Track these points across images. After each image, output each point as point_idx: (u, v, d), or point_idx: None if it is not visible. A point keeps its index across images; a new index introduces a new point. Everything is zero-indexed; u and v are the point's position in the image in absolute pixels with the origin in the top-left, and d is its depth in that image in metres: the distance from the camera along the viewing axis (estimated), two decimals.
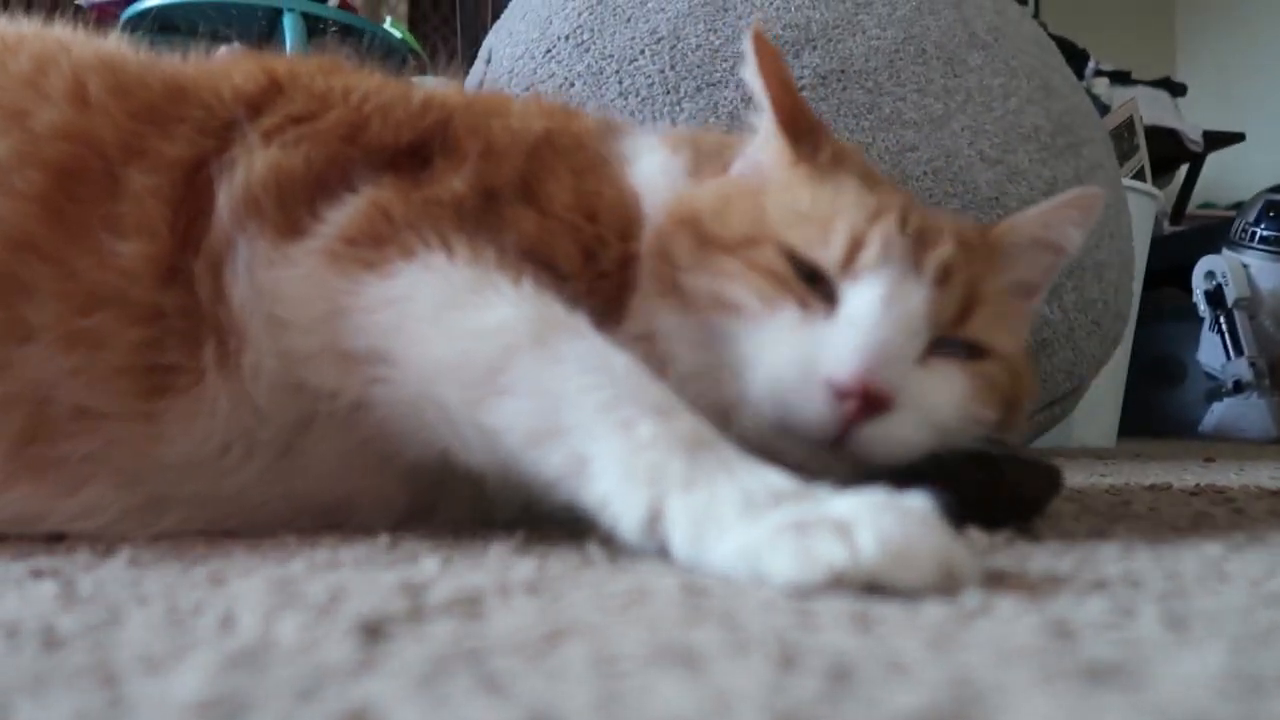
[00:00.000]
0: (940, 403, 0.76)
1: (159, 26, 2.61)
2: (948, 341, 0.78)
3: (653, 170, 0.90)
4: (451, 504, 0.83)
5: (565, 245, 0.81)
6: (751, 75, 0.90)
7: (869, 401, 0.71)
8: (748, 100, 1.49)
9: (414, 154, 0.84)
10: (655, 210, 0.86)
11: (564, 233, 0.82)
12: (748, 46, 0.89)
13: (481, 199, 0.81)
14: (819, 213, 0.80)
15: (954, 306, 0.79)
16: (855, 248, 0.77)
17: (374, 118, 0.84)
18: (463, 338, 0.70)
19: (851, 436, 0.72)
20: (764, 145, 0.89)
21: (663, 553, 0.61)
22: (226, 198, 0.78)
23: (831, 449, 0.72)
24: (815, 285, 0.77)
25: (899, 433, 0.73)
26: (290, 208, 0.78)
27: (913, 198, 0.90)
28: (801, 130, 0.87)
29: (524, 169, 0.85)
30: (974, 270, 0.81)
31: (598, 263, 0.83)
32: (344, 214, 0.78)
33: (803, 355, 0.73)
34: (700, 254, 0.80)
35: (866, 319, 0.73)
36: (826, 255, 0.77)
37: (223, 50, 1.00)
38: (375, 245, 0.75)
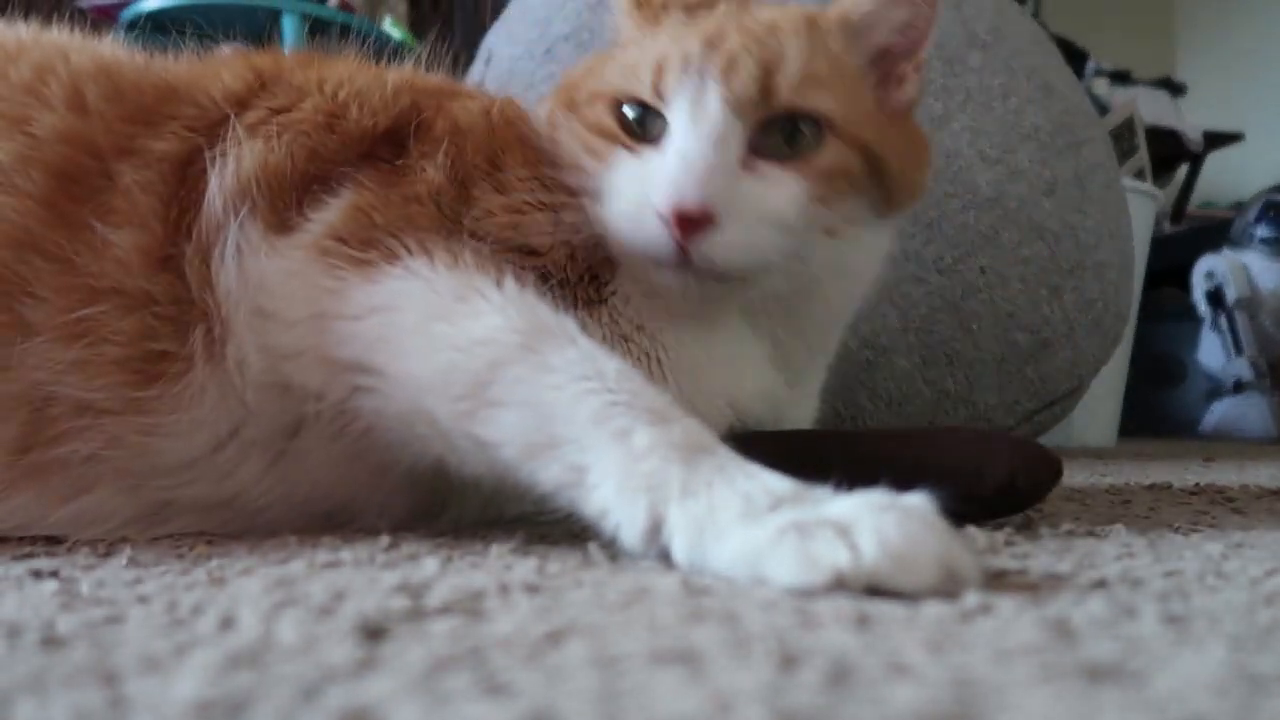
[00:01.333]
0: (773, 206, 0.80)
1: (158, 27, 2.61)
2: (766, 126, 0.82)
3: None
4: (456, 508, 0.83)
5: (533, 219, 0.83)
6: None
7: (689, 222, 0.77)
8: None
9: (392, 140, 0.85)
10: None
11: (529, 206, 0.84)
12: None
13: (456, 186, 0.83)
14: (639, 57, 0.86)
15: (751, 87, 0.81)
16: (658, 76, 0.83)
17: (351, 104, 0.86)
18: (450, 350, 0.70)
19: (691, 255, 0.78)
20: (616, 11, 0.96)
21: (665, 560, 0.61)
22: (218, 187, 0.79)
23: (680, 270, 0.79)
24: (646, 124, 0.84)
25: (732, 240, 0.78)
26: (280, 207, 0.80)
27: (749, 7, 0.92)
28: None
29: (488, 147, 0.87)
30: (776, 47, 0.83)
31: (565, 223, 0.84)
32: (331, 211, 0.79)
33: (634, 193, 0.80)
34: (566, 115, 0.88)
35: (678, 142, 0.80)
36: (643, 90, 0.84)
37: (223, 51, 1.00)
38: (361, 245, 0.76)
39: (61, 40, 0.88)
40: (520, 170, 0.85)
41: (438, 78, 0.98)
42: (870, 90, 0.90)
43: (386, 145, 0.85)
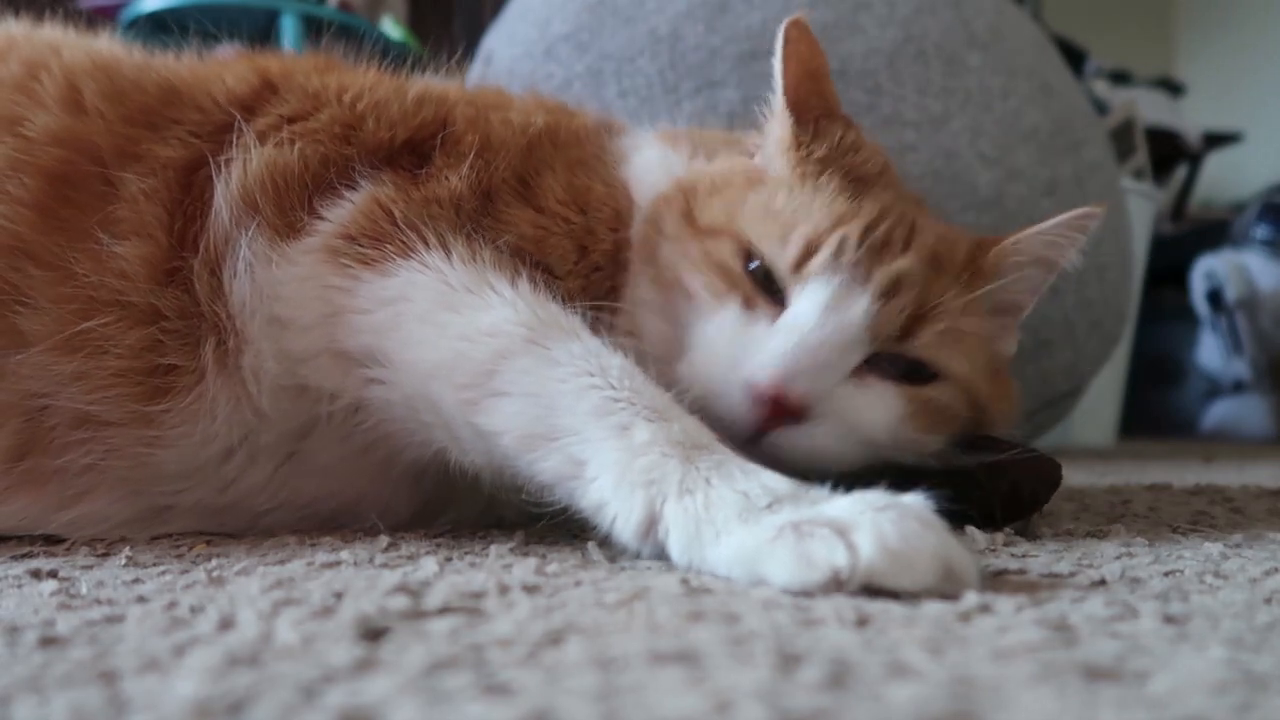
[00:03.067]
0: (867, 420, 0.75)
1: (156, 27, 2.61)
2: (890, 358, 0.77)
3: (648, 162, 0.90)
4: (459, 509, 0.83)
5: (559, 242, 0.82)
6: (776, 60, 0.88)
7: (781, 408, 0.71)
8: (747, 100, 1.49)
9: (411, 150, 0.84)
10: (646, 194, 0.86)
11: (557, 229, 0.82)
12: (778, 33, 0.87)
13: (480, 197, 0.81)
14: (786, 214, 0.81)
15: (898, 321, 0.77)
16: (808, 253, 0.77)
17: (368, 116, 0.84)
18: (457, 339, 0.70)
19: (766, 438, 0.72)
20: (771, 128, 0.89)
21: (661, 556, 0.61)
22: (224, 197, 0.78)
23: (747, 445, 0.71)
24: (768, 286, 0.78)
25: (813, 443, 0.73)
26: (288, 208, 0.78)
27: (911, 205, 0.88)
28: (807, 117, 0.86)
29: (521, 164, 0.85)
30: (936, 287, 0.80)
31: (589, 257, 0.83)
32: (344, 211, 0.78)
33: (733, 353, 0.74)
34: (681, 229, 0.82)
35: (801, 326, 0.74)
36: (782, 257, 0.78)
37: (222, 52, 0.99)
38: (374, 242, 0.75)
39: (54, 36, 0.86)
40: (560, 192, 0.84)
41: (489, 89, 0.96)
42: (989, 343, 0.85)
43: (407, 155, 0.83)
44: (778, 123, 0.87)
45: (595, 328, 0.76)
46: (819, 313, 0.74)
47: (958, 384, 0.80)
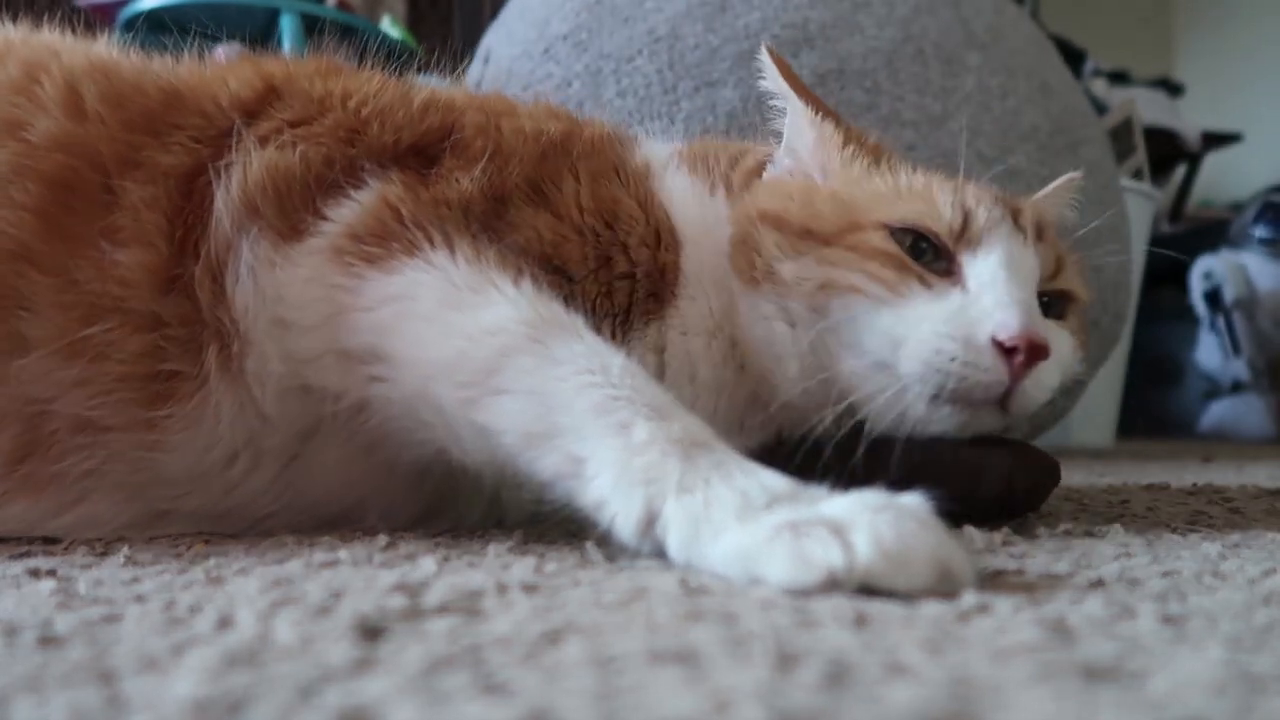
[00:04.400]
0: (1063, 348, 0.84)
1: (154, 27, 2.61)
2: (1044, 295, 0.86)
3: (680, 191, 0.92)
4: (460, 511, 0.83)
5: (578, 249, 0.82)
6: (773, 82, 0.94)
7: (1034, 350, 0.76)
8: (746, 100, 1.49)
9: (417, 154, 0.84)
10: (689, 226, 0.89)
11: (578, 236, 0.83)
12: (764, 58, 0.94)
13: (490, 201, 0.81)
14: (913, 188, 0.86)
15: (1051, 261, 0.87)
16: (966, 215, 0.83)
17: (373, 121, 0.84)
18: (459, 337, 0.70)
19: (1015, 390, 0.77)
20: (798, 138, 0.93)
21: (659, 554, 0.61)
22: (225, 202, 0.77)
23: (999, 405, 0.78)
24: (924, 260, 0.81)
25: (1049, 378, 0.80)
26: (289, 210, 0.78)
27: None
28: (835, 117, 0.93)
29: (535, 170, 0.85)
30: (1050, 236, 0.89)
31: (613, 267, 0.83)
32: (350, 210, 0.77)
33: (960, 325, 0.77)
34: (800, 245, 0.83)
35: (998, 280, 0.79)
36: (940, 224, 0.82)
37: (220, 50, 0.99)
38: (380, 241, 0.75)
39: (52, 40, 0.85)
40: (587, 201, 0.84)
41: (496, 96, 0.96)
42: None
43: (413, 158, 0.83)
44: (809, 131, 0.92)
45: (627, 340, 0.80)
46: (1004, 266, 0.80)
47: (1082, 309, 0.90)
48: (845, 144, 0.90)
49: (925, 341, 0.77)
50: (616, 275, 0.83)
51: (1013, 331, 0.75)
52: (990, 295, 0.78)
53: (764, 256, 0.84)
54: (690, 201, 0.91)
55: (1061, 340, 0.84)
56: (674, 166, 0.95)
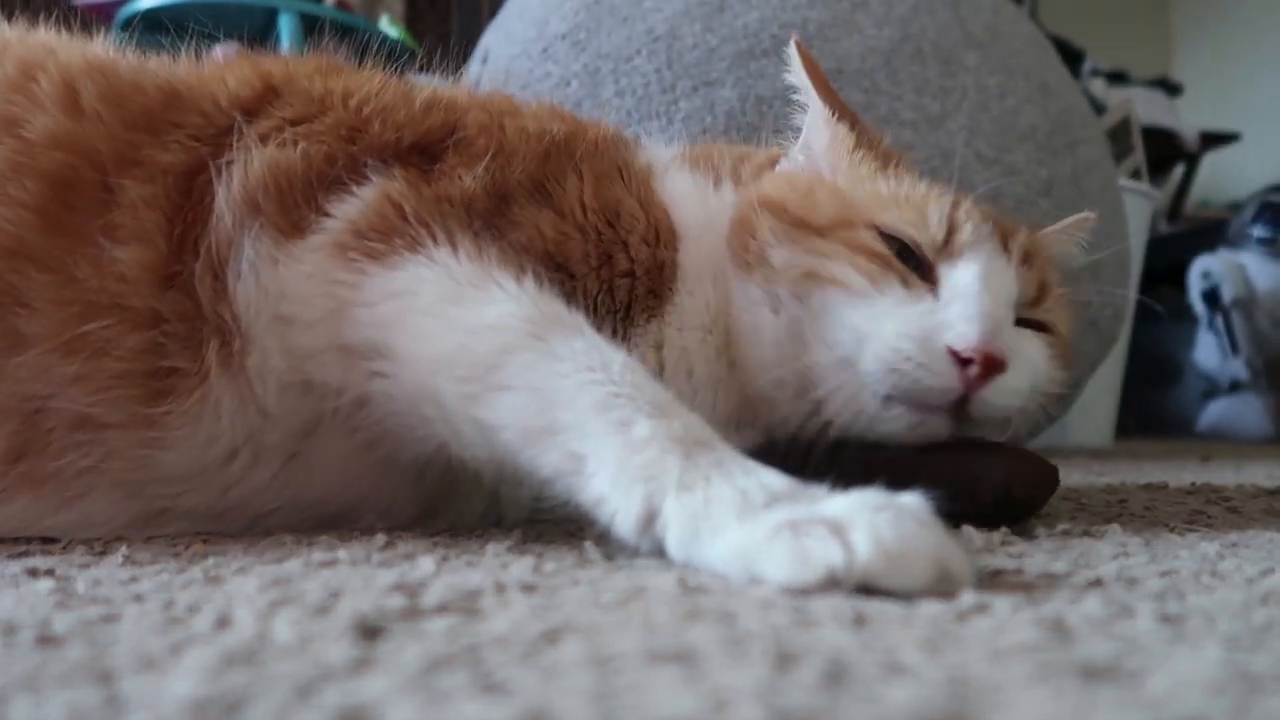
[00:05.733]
0: (1035, 362, 0.85)
1: (151, 26, 2.60)
2: (1022, 321, 0.87)
3: (682, 189, 0.93)
4: (459, 509, 0.84)
5: (580, 247, 0.83)
6: (797, 76, 0.96)
7: (990, 364, 0.77)
8: (744, 100, 1.49)
9: (419, 152, 0.84)
10: (689, 223, 0.90)
11: (580, 234, 0.83)
12: (792, 51, 0.96)
13: (493, 199, 0.82)
14: (909, 198, 0.87)
15: (1034, 287, 0.88)
16: (952, 230, 0.84)
17: (374, 120, 0.84)
18: (461, 333, 0.70)
19: (972, 400, 0.79)
20: (815, 137, 0.95)
21: (658, 552, 0.61)
22: (226, 199, 0.78)
23: (950, 411, 0.79)
24: (910, 265, 0.83)
25: (1011, 386, 0.80)
26: (291, 207, 0.78)
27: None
28: (851, 120, 0.94)
29: (538, 169, 0.85)
30: (1043, 260, 0.90)
31: (614, 265, 0.84)
32: (353, 206, 0.78)
33: (921, 328, 0.79)
34: (794, 233, 0.85)
35: (973, 292, 0.81)
36: (925, 236, 0.84)
37: (218, 50, 0.99)
38: (382, 237, 0.75)
39: (48, 39, 0.85)
40: (589, 199, 0.85)
41: (498, 95, 0.97)
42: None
43: (416, 155, 0.84)
44: (824, 130, 0.94)
45: (628, 338, 0.81)
46: (982, 279, 0.82)
47: (1064, 344, 0.90)
48: (856, 147, 0.92)
49: (886, 340, 0.79)
50: (618, 273, 0.84)
51: (970, 343, 0.77)
52: (958, 306, 0.80)
53: (758, 240, 0.86)
54: (691, 198, 0.93)
55: (1032, 349, 0.85)
56: (676, 166, 0.96)
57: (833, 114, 0.94)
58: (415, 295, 0.73)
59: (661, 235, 0.88)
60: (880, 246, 0.83)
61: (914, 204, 0.87)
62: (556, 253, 0.81)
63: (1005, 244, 0.87)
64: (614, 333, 0.82)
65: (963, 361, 0.77)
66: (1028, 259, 0.88)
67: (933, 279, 0.83)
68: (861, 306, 0.81)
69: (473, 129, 0.86)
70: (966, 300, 0.80)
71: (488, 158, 0.83)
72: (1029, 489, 0.86)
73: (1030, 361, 0.84)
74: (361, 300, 0.74)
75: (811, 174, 0.93)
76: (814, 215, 0.86)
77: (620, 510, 0.62)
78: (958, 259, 0.83)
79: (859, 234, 0.84)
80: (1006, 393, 0.80)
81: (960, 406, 0.79)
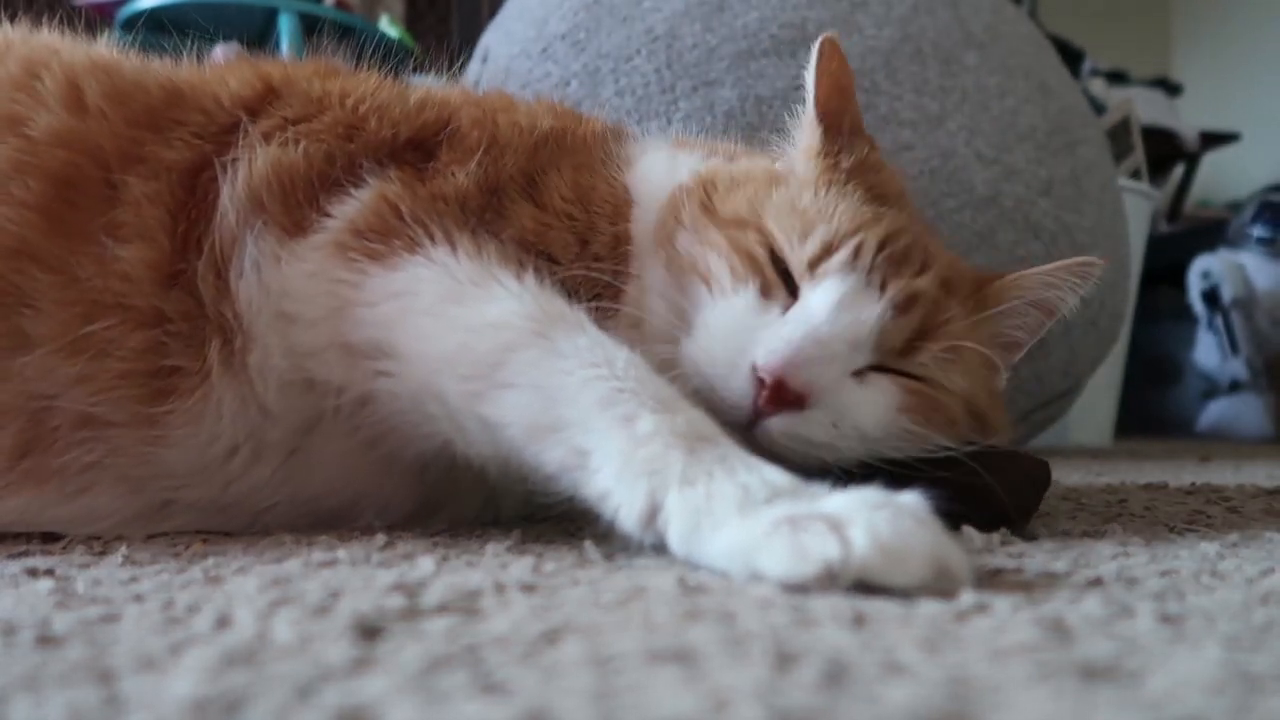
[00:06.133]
0: (864, 416, 0.76)
1: (152, 26, 2.61)
2: (891, 371, 0.78)
3: (654, 163, 0.92)
4: (458, 505, 0.84)
5: (561, 235, 0.83)
6: (808, 73, 0.92)
7: (781, 394, 0.73)
8: (743, 100, 1.49)
9: (415, 148, 0.84)
10: (644, 193, 0.89)
11: (559, 224, 0.83)
12: (815, 47, 0.90)
13: (486, 194, 0.82)
14: (810, 213, 0.83)
15: (904, 335, 0.79)
16: (826, 252, 0.79)
17: (370, 118, 0.84)
18: (463, 331, 0.70)
19: (762, 423, 0.74)
20: (800, 136, 0.92)
21: (660, 546, 0.61)
22: (230, 197, 0.78)
23: (742, 430, 0.73)
24: (788, 279, 0.79)
25: (806, 432, 0.74)
26: (294, 206, 0.78)
27: (925, 230, 0.91)
28: (836, 129, 0.89)
29: (528, 163, 0.86)
30: (946, 312, 0.81)
31: (590, 249, 0.84)
32: (351, 207, 0.78)
33: (742, 336, 0.76)
34: (699, 218, 0.84)
35: (812, 319, 0.76)
36: (799, 253, 0.80)
37: (218, 50, 0.99)
38: (381, 237, 0.76)
39: (51, 39, 0.86)
40: (565, 190, 0.85)
41: (494, 92, 0.97)
42: (991, 364, 0.86)
43: (412, 152, 0.84)
44: (807, 131, 0.90)
45: (600, 319, 0.77)
46: (831, 309, 0.76)
47: (955, 396, 0.80)
48: (821, 154, 0.88)
49: (708, 341, 0.77)
50: (593, 256, 0.84)
51: (768, 365, 0.73)
52: (788, 327, 0.75)
53: (676, 222, 0.85)
54: (656, 170, 0.92)
55: (873, 397, 0.77)
56: (658, 147, 0.96)
57: (820, 118, 0.89)
58: (416, 295, 0.73)
59: (619, 209, 0.87)
60: (759, 251, 0.80)
61: (808, 219, 0.82)
62: (539, 243, 0.82)
63: (886, 282, 0.79)
64: (601, 315, 0.81)
65: (759, 382, 0.73)
66: (907, 305, 0.79)
67: (796, 296, 0.79)
68: (713, 303, 0.79)
69: (466, 123, 0.87)
70: (797, 324, 0.75)
71: (480, 152, 0.84)
72: (1022, 502, 0.85)
73: (855, 415, 0.76)
74: (363, 300, 0.74)
75: (764, 169, 0.90)
76: (724, 208, 0.85)
77: (624, 505, 0.62)
78: (819, 283, 0.78)
79: (746, 234, 0.81)
80: (798, 433, 0.74)
81: (750, 428, 0.74)
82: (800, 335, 0.74)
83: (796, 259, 0.80)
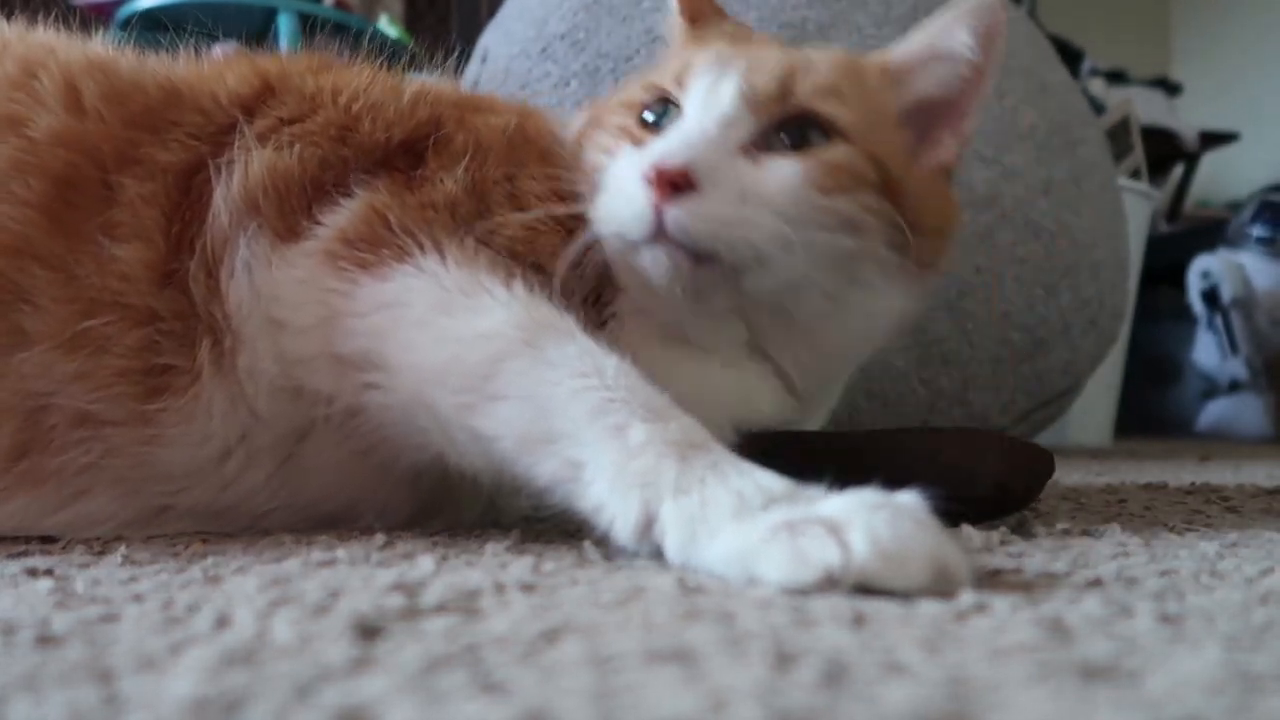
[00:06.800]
0: (764, 188, 0.78)
1: (151, 25, 2.60)
2: (786, 123, 0.82)
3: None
4: (456, 510, 0.84)
5: (549, 239, 0.82)
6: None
7: (666, 178, 0.75)
8: None
9: (407, 151, 0.84)
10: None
11: (544, 225, 0.83)
12: None
13: (474, 200, 0.82)
14: (679, 58, 0.90)
15: (772, 84, 0.82)
16: (684, 69, 0.86)
17: (364, 118, 0.84)
18: (453, 343, 0.70)
19: (667, 224, 0.75)
20: (670, 40, 1.00)
21: (658, 556, 0.61)
22: (225, 199, 0.78)
23: (657, 244, 0.76)
24: (664, 120, 0.85)
25: (712, 209, 0.76)
26: (288, 212, 0.78)
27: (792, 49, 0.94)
28: (698, 16, 0.98)
29: (508, 164, 0.86)
30: (802, 60, 0.86)
31: (574, 240, 0.84)
32: (340, 216, 0.78)
33: (628, 172, 0.79)
34: (589, 132, 0.90)
35: (683, 122, 0.82)
36: (665, 81, 0.87)
37: (217, 50, 0.99)
38: (371, 246, 0.75)
39: (48, 38, 0.85)
40: (538, 187, 0.85)
41: (474, 93, 0.98)
42: (899, 133, 0.88)
43: (403, 156, 0.84)
44: (675, 29, 0.99)
45: (602, 315, 0.82)
46: (698, 105, 0.82)
47: (853, 141, 0.82)
48: (687, 25, 0.97)
49: (607, 197, 0.81)
50: (579, 252, 0.83)
51: (646, 163, 0.76)
52: (666, 137, 0.81)
53: (579, 147, 0.90)
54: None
55: (773, 174, 0.79)
56: (577, 117, 0.99)
57: (679, 7, 0.98)
58: (406, 306, 0.73)
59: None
60: (627, 120, 0.87)
61: (679, 61, 0.89)
62: (529, 251, 0.81)
63: (739, 64, 0.84)
64: (590, 323, 0.81)
65: (647, 183, 0.76)
66: (759, 65, 0.84)
67: (673, 121, 0.84)
68: (606, 177, 0.83)
69: (451, 126, 0.87)
70: (673, 132, 0.81)
71: (467, 158, 0.83)
72: (1025, 484, 0.85)
73: (760, 184, 0.78)
74: (353, 310, 0.74)
75: (640, 78, 0.96)
76: (604, 111, 0.91)
77: (618, 516, 0.62)
78: (687, 90, 0.84)
79: (616, 116, 0.88)
80: (704, 211, 0.75)
81: (662, 234, 0.76)
82: (672, 134, 0.81)
83: (671, 88, 0.86)
